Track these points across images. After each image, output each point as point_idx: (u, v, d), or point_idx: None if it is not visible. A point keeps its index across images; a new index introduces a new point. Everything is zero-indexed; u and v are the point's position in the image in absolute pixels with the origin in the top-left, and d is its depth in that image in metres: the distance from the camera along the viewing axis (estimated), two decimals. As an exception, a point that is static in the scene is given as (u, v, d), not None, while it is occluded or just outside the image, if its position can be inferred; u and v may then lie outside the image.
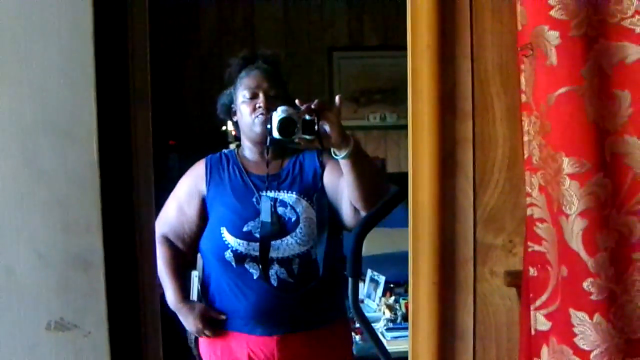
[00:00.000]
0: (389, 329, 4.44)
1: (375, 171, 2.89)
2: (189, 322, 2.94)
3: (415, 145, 1.80)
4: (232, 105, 2.96)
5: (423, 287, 1.82)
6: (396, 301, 4.74)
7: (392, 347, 4.03)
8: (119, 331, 1.61)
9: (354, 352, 3.40)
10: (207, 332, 2.92)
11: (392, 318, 4.56)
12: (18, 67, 1.54)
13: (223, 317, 2.90)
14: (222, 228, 2.82)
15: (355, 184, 2.63)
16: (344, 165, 2.61)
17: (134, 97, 1.67)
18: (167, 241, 2.98)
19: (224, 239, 2.81)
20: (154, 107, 1.76)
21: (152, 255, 1.75)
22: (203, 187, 2.93)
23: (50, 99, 1.56)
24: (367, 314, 4.50)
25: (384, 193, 2.61)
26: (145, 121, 1.72)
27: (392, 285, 4.96)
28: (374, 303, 4.93)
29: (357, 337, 4.28)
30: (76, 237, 1.55)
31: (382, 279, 4.97)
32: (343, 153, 2.56)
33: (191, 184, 2.97)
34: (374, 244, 5.22)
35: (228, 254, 2.81)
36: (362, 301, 4.98)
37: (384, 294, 4.90)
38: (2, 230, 1.56)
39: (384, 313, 4.66)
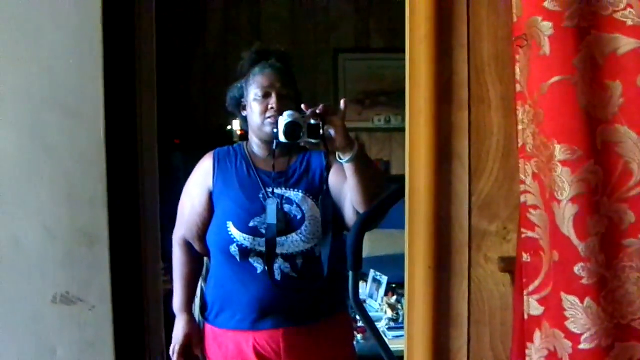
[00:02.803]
0: (390, 329, 4.47)
1: (378, 176, 2.91)
2: (175, 332, 2.98)
3: (412, 133, 1.84)
4: (242, 100, 2.97)
5: (419, 271, 1.86)
6: (398, 301, 4.75)
7: (394, 346, 4.02)
8: (123, 305, 1.65)
9: (357, 351, 3.43)
10: (175, 353, 2.96)
11: (394, 317, 4.59)
12: (28, 47, 1.58)
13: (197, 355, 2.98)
14: (228, 222, 2.83)
15: (358, 188, 2.67)
16: (348, 168, 2.65)
17: (140, 79, 1.71)
18: (186, 245, 3.00)
19: (230, 233, 2.82)
20: (160, 106, 1.81)
21: (156, 233, 1.79)
22: (210, 181, 2.93)
23: (59, 78, 1.60)
24: (369, 314, 4.54)
25: None
26: (151, 103, 1.76)
27: (394, 286, 4.97)
28: (376, 303, 4.95)
29: (359, 336, 4.29)
30: (82, 212, 1.60)
31: (384, 280, 4.99)
32: (347, 157, 2.61)
33: (199, 179, 2.97)
34: (377, 245, 5.26)
35: (233, 248, 2.82)
36: (365, 301, 4.99)
37: (386, 294, 4.93)
38: (10, 203, 1.60)
39: (385, 312, 4.68)
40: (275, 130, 2.69)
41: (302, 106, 2.65)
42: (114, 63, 1.66)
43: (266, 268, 2.79)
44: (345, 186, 2.78)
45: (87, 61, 1.61)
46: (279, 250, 2.81)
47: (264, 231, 2.81)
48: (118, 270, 1.65)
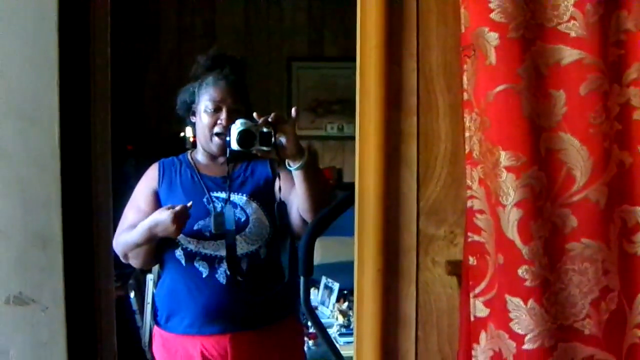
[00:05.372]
0: (341, 334, 4.49)
1: (326, 185, 2.96)
2: (162, 218, 2.74)
3: (362, 139, 1.87)
4: (193, 105, 3.00)
5: (367, 274, 1.89)
6: (349, 307, 4.77)
7: (345, 351, 4.06)
8: (75, 307, 1.66)
9: (308, 357, 3.44)
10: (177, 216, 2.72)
11: (345, 324, 4.61)
12: (-18, 53, 1.60)
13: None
14: None
15: (306, 196, 2.71)
16: (297, 176, 2.70)
17: (94, 87, 1.73)
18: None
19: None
20: (113, 112, 1.82)
21: (108, 236, 1.81)
22: (156, 185, 2.96)
23: (15, 84, 1.61)
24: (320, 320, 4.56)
25: None
26: (105, 110, 1.78)
27: (345, 293, 5.00)
28: (328, 309, 4.97)
29: (311, 342, 4.32)
30: (36, 215, 1.61)
31: (336, 286, 5.01)
32: (297, 164, 2.66)
33: (145, 186, 3.00)
34: (329, 251, 5.28)
35: (179, 252, 2.86)
36: (316, 308, 5.01)
37: (337, 301, 4.96)
38: (-37, 206, 1.61)
39: (337, 319, 4.71)
40: (228, 138, 2.73)
41: (254, 114, 2.68)
42: (69, 70, 1.67)
43: (228, 272, 2.82)
44: (293, 194, 2.82)
45: (43, 67, 1.62)
46: (222, 253, 2.84)
47: (208, 234, 2.85)
48: (71, 272, 1.66)
